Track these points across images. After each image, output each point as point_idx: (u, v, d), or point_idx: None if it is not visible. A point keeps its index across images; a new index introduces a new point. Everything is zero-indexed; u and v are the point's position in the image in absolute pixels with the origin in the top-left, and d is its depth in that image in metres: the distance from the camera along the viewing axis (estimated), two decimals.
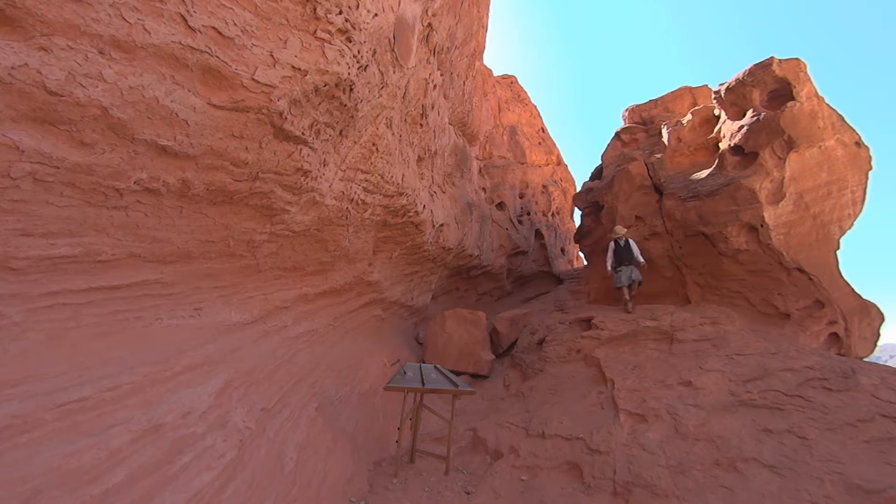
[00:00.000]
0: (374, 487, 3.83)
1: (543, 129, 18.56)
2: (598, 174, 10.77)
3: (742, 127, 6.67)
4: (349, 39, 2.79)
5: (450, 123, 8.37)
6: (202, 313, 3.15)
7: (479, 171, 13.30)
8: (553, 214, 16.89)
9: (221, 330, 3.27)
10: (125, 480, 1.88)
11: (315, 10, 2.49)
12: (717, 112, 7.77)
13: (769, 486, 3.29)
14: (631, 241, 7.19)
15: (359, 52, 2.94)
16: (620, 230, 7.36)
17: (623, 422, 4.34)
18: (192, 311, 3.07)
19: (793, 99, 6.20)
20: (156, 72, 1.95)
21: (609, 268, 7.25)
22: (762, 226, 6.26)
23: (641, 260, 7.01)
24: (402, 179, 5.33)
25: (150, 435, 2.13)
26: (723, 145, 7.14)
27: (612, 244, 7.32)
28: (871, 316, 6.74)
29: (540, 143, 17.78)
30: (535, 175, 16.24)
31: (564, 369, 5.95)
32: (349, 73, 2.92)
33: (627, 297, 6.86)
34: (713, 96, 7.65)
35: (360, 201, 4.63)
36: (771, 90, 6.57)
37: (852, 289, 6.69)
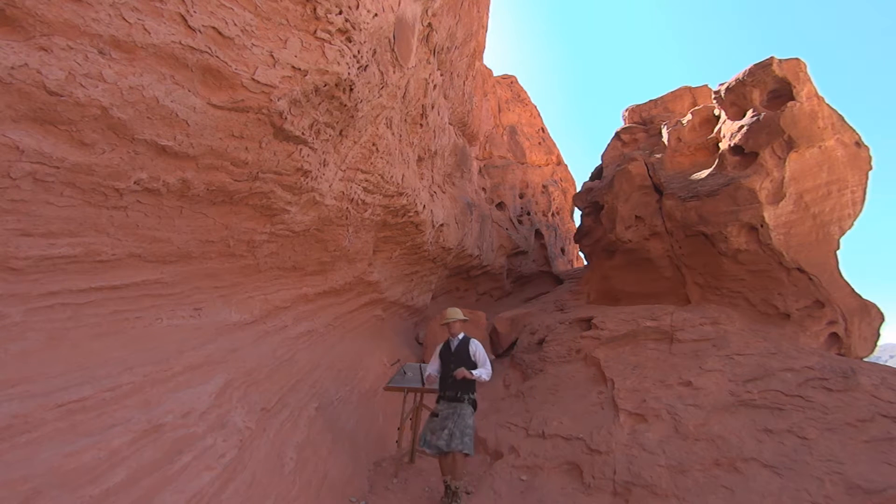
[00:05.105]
0: (374, 487, 3.83)
1: (543, 129, 18.56)
2: (598, 174, 10.77)
3: (742, 127, 6.67)
4: (349, 39, 2.79)
5: (450, 123, 8.37)
6: (202, 313, 3.15)
7: (479, 171, 13.30)
8: (553, 214, 16.89)
9: (221, 330, 3.27)
10: (125, 480, 1.88)
11: (315, 10, 2.49)
12: (717, 112, 7.78)
13: (769, 486, 3.29)
14: (474, 341, 3.98)
15: (359, 52, 2.94)
16: (454, 314, 4.10)
17: (623, 422, 4.34)
18: (192, 311, 3.07)
19: (793, 99, 6.20)
20: (156, 72, 1.95)
21: (431, 374, 3.99)
22: (762, 226, 6.27)
23: (485, 376, 3.75)
24: (402, 179, 5.33)
25: (150, 435, 2.13)
26: (723, 145, 7.14)
27: (438, 347, 4.13)
28: (871, 316, 6.74)
29: (540, 143, 17.77)
30: (535, 175, 16.24)
31: (564, 369, 5.95)
32: (349, 73, 2.91)
33: (444, 479, 3.55)
34: (713, 96, 7.65)
35: (360, 201, 4.63)
36: (771, 90, 6.57)
37: (852, 289, 6.69)
